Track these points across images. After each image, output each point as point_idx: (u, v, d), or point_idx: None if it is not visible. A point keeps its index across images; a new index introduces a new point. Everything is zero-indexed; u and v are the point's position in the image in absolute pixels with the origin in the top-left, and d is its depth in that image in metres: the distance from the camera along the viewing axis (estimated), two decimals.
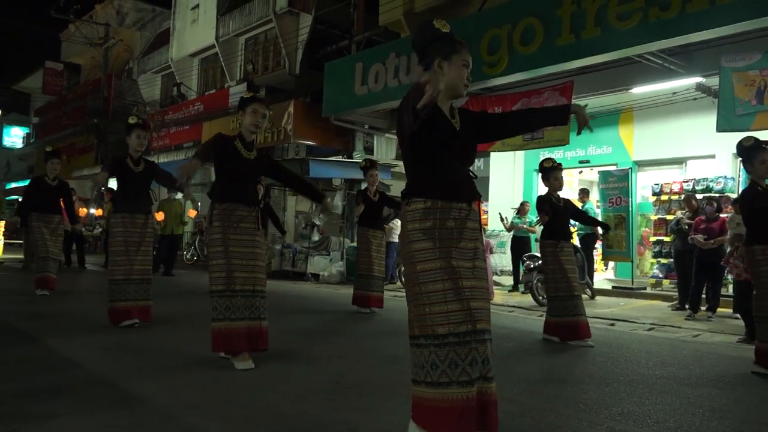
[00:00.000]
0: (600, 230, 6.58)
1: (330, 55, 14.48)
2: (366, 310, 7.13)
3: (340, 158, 13.96)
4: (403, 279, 10.74)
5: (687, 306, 8.12)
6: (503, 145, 10.13)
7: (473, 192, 2.54)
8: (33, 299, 7.03)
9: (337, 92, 12.47)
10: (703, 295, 8.09)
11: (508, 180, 13.08)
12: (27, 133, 32.55)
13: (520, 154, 12.50)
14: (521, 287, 10.31)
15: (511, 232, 10.87)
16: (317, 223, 13.69)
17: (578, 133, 2.76)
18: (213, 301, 3.87)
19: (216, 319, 3.85)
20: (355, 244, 12.51)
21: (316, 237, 13.45)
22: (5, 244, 15.55)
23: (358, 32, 14.07)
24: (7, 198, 21.75)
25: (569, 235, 5.86)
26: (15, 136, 35.40)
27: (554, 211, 5.76)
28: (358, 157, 13.58)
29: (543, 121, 2.77)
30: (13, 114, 36.65)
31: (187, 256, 16.60)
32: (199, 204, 20.39)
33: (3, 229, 14.67)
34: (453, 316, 2.33)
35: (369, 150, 14.01)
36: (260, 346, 3.93)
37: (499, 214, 11.07)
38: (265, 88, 15.96)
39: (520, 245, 10.52)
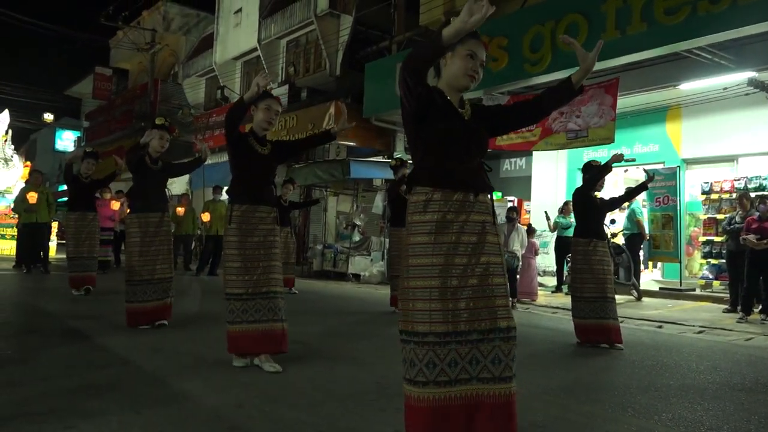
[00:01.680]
0: (647, 185, 6.03)
1: (370, 56, 14.52)
2: None
3: (380, 158, 13.97)
4: None
5: (739, 308, 7.85)
6: (546, 144, 9.98)
7: (481, 183, 2.41)
8: (81, 299, 7.25)
9: (378, 93, 12.49)
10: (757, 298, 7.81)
11: (550, 179, 12.89)
12: (78, 137, 33.60)
13: (563, 152, 12.30)
14: (565, 288, 10.15)
15: (555, 232, 10.75)
16: (358, 223, 13.76)
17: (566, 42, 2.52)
18: (228, 304, 3.82)
19: (231, 323, 3.81)
20: None
21: (356, 237, 13.52)
22: (58, 245, 16.12)
23: (398, 32, 14.05)
24: (59, 200, 22.56)
25: (603, 235, 5.72)
26: (67, 140, 36.62)
27: (590, 207, 5.64)
28: (398, 157, 13.58)
29: (551, 98, 2.51)
30: (65, 118, 37.96)
31: None
32: None
33: (56, 230, 15.20)
34: (435, 315, 2.24)
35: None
36: (281, 349, 3.85)
37: (545, 213, 10.94)
38: (306, 89, 16.12)
39: (564, 245, 10.37)
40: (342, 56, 16.12)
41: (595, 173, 5.57)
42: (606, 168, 5.48)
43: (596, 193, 5.73)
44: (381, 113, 12.96)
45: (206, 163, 13.33)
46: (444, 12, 12.39)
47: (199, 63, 22.78)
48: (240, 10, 19.98)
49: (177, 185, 19.69)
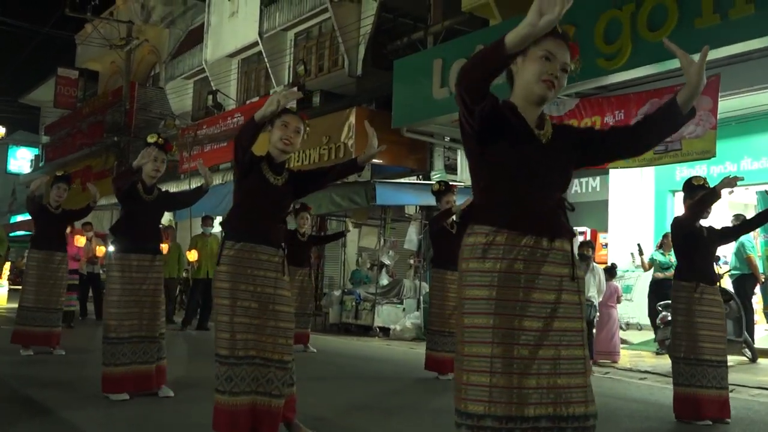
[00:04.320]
0: None
1: (400, 51, 14.68)
2: (447, 377, 7.05)
3: (414, 180, 14.03)
4: None
5: None
6: (628, 161, 9.92)
7: (559, 227, 2.39)
8: (43, 360, 7.35)
9: (411, 96, 12.60)
10: None
11: (633, 204, 12.80)
12: (36, 155, 34.36)
13: (649, 170, 12.22)
14: (656, 346, 10.00)
15: (650, 272, 10.62)
16: (386, 262, 13.76)
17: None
18: (216, 368, 3.79)
19: (217, 390, 3.76)
20: None
21: (384, 280, 13.51)
22: (10, 291, 16.44)
23: (435, 21, 14.21)
24: (12, 234, 23.07)
25: (714, 277, 5.63)
26: (22, 159, 37.49)
27: (695, 241, 5.56)
28: (436, 177, 13.62)
29: (653, 127, 2.46)
30: (20, 132, 38.88)
31: None
32: None
33: (8, 272, 15.53)
34: (496, 393, 2.23)
35: (451, 169, 14.04)
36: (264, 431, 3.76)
37: (638, 246, 10.86)
38: (319, 93, 16.33)
39: (661, 289, 10.21)
40: (364, 51, 16.32)
41: (700, 201, 5.47)
42: (713, 195, 5.38)
43: (702, 221, 5.64)
44: (414, 123, 13.05)
45: (195, 186, 13.58)
46: None
47: (186, 62, 23.27)
48: None
49: None
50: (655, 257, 10.55)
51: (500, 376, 2.24)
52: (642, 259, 10.71)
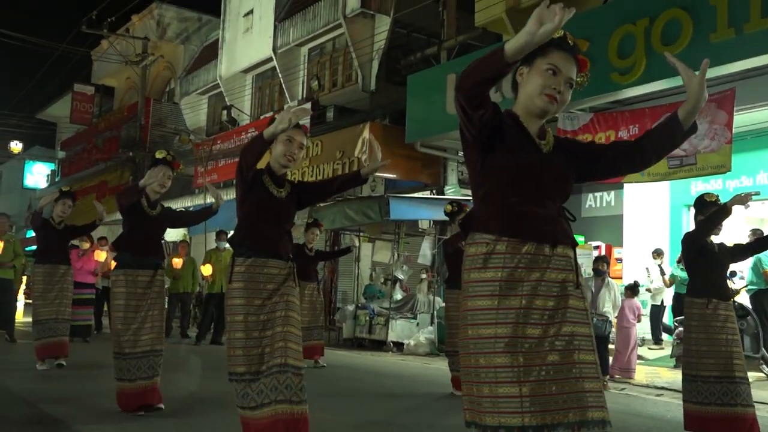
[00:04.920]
0: None
1: (414, 66, 14.74)
2: None
3: (428, 194, 14.04)
4: None
5: None
6: (642, 175, 9.88)
7: (562, 234, 2.40)
8: (58, 375, 7.39)
9: (424, 111, 12.63)
10: None
11: (647, 219, 12.72)
12: (52, 170, 34.64)
13: (664, 185, 12.15)
14: (672, 361, 9.92)
15: (671, 288, 10.62)
16: (400, 277, 13.75)
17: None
18: (234, 386, 3.80)
19: (240, 407, 3.79)
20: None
21: (398, 295, 13.50)
22: (26, 305, 16.52)
23: (448, 36, 14.27)
24: (28, 248, 23.20)
25: (727, 293, 5.58)
26: (38, 174, 37.81)
27: (706, 257, 5.53)
28: (450, 192, 13.65)
29: (654, 141, 2.47)
30: (37, 148, 39.25)
31: None
32: None
33: (24, 287, 15.59)
34: (502, 403, 2.23)
35: (465, 183, 14.02)
36: None
37: (659, 267, 10.84)
38: (333, 108, 16.40)
39: (683, 305, 10.18)
40: (378, 66, 16.40)
41: (711, 217, 5.45)
42: (724, 211, 5.36)
43: (712, 237, 5.62)
44: (428, 137, 13.08)
45: (209, 201, 13.47)
46: (505, 9, 12.56)
47: (201, 77, 23.46)
48: (251, 12, 20.60)
49: (174, 231, 20.06)
50: (675, 273, 10.51)
51: (507, 386, 2.23)
52: (663, 278, 10.68)
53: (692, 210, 12.63)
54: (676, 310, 10.34)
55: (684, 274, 10.29)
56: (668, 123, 2.41)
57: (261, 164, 4.00)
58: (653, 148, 2.48)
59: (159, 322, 5.45)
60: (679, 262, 10.63)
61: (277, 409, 3.69)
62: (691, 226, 12.50)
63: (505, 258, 2.31)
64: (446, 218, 12.87)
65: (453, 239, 7.21)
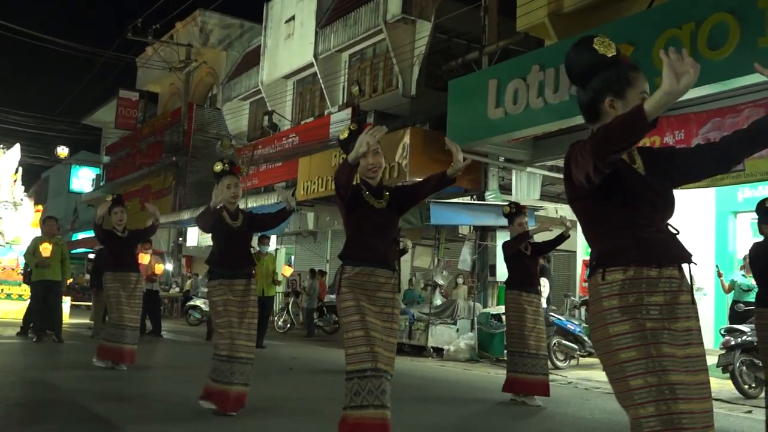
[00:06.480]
0: None
1: (455, 71, 14.72)
2: (534, 402, 6.89)
3: (468, 199, 14.00)
4: (555, 357, 10.49)
5: None
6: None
7: (681, 252, 2.47)
8: (107, 375, 7.52)
9: (465, 117, 12.59)
10: None
11: (693, 226, 12.51)
12: (97, 175, 35.30)
13: (709, 192, 11.97)
14: (719, 371, 9.71)
15: (730, 295, 10.46)
16: (440, 282, 13.72)
17: None
18: (354, 385, 3.85)
19: (359, 407, 3.82)
20: (489, 309, 12.45)
21: (438, 300, 13.47)
22: (71, 307, 16.86)
23: (490, 41, 14.23)
24: (73, 251, 23.67)
25: None
26: (84, 179, 38.59)
27: None
28: (491, 198, 13.58)
29: (746, 143, 2.50)
30: (82, 153, 40.10)
31: (279, 323, 17.16)
32: (293, 258, 21.19)
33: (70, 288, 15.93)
34: (685, 419, 2.26)
35: (506, 189, 13.96)
36: None
37: (716, 267, 10.66)
38: (373, 113, 16.46)
39: (743, 312, 9.99)
40: (418, 72, 16.43)
41: None
42: None
43: None
44: (469, 143, 12.99)
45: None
46: (548, 14, 12.50)
47: (243, 83, 23.72)
48: (292, 18, 20.79)
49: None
50: (735, 279, 10.35)
51: (672, 403, 2.26)
52: (722, 281, 10.51)
53: (740, 216, 12.45)
54: (733, 317, 10.14)
55: (745, 281, 10.14)
56: (760, 124, 2.44)
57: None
58: (741, 148, 2.51)
59: (254, 331, 5.61)
60: (740, 269, 10.46)
61: (384, 413, 3.86)
62: (739, 233, 12.26)
63: (647, 283, 2.37)
64: (487, 224, 13.08)
65: (514, 242, 7.20)
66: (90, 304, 16.85)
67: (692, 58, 2.03)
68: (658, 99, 2.06)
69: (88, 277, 16.90)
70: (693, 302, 2.44)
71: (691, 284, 2.47)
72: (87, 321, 15.44)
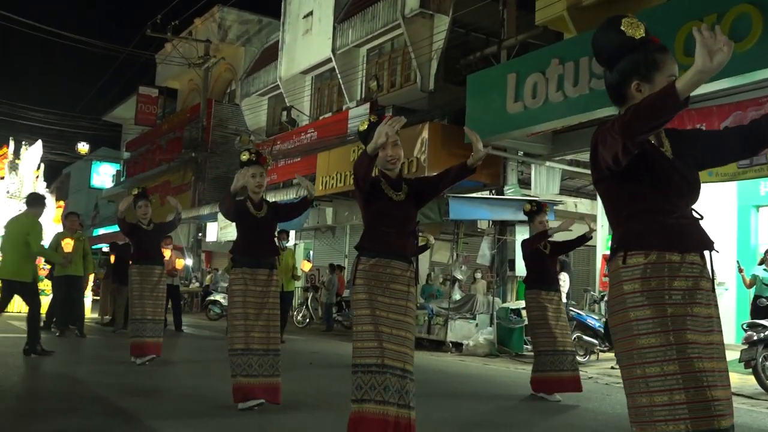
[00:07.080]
0: None
1: (473, 65, 14.66)
2: (554, 398, 6.84)
3: (487, 194, 13.96)
4: (575, 352, 10.44)
5: None
6: (710, 175, 9.66)
7: (704, 239, 2.44)
8: (129, 370, 7.59)
9: (484, 111, 12.56)
10: None
11: (714, 220, 12.42)
12: (117, 171, 35.57)
13: (731, 185, 11.88)
14: (741, 366, 9.63)
15: (751, 290, 10.37)
16: (459, 277, 13.71)
17: None
18: (357, 378, 3.87)
19: (361, 400, 3.84)
20: (508, 304, 12.41)
21: (457, 295, 13.46)
22: (93, 302, 17.02)
23: (509, 35, 14.17)
24: (94, 246, 23.86)
25: None
26: (104, 174, 38.91)
27: None
28: (510, 192, 13.54)
29: None
30: (103, 149, 40.42)
31: (298, 318, 17.22)
32: (311, 253, 21.25)
33: (91, 284, 16.05)
34: (680, 410, 2.23)
35: (525, 183, 13.92)
36: None
37: (737, 263, 10.58)
38: (391, 108, 16.45)
39: (764, 307, 9.92)
40: (437, 66, 16.39)
41: None
42: None
43: None
44: (488, 137, 12.96)
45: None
46: (567, 7, 12.42)
47: (261, 79, 23.78)
48: (310, 13, 20.80)
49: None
50: (757, 273, 10.26)
51: (681, 392, 2.24)
52: (743, 276, 10.43)
53: (762, 210, 12.31)
54: (755, 312, 10.05)
55: (766, 275, 10.06)
56: None
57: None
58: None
59: (277, 321, 5.59)
60: (761, 263, 10.36)
61: (399, 412, 3.84)
62: (762, 227, 12.15)
63: (669, 267, 2.34)
64: (506, 218, 13.04)
65: (533, 240, 7.17)
66: (98, 298, 17.07)
67: (726, 36, 1.99)
68: (691, 77, 2.04)
69: (103, 271, 17.02)
70: (713, 289, 2.41)
71: (712, 271, 2.43)
72: (95, 316, 15.58)
